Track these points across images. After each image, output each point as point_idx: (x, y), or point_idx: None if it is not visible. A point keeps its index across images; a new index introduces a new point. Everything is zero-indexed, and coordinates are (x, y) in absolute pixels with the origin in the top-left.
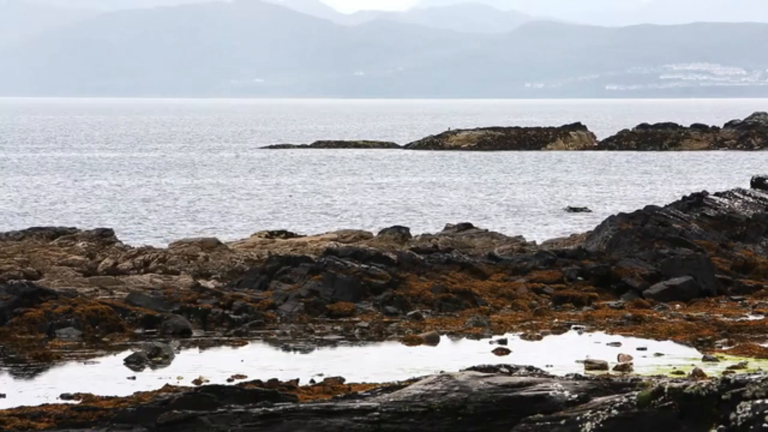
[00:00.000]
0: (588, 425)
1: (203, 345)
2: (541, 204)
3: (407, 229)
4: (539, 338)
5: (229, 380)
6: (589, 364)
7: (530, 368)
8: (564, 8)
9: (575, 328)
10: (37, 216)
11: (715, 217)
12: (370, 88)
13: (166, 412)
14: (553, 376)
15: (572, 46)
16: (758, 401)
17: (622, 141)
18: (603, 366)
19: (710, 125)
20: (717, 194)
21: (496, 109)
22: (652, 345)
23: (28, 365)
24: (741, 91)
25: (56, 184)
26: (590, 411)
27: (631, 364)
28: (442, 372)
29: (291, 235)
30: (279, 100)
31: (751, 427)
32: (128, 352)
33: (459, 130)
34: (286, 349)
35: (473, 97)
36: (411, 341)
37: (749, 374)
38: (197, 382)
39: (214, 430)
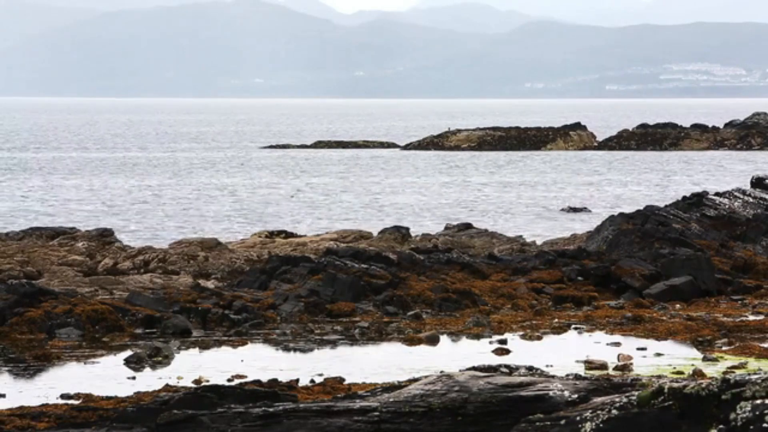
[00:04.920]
0: (588, 425)
1: (203, 345)
2: (542, 204)
3: (407, 229)
4: (539, 338)
5: (229, 380)
6: (589, 364)
7: (530, 368)
8: (564, 8)
9: (575, 328)
10: (53, 215)
11: (715, 217)
12: (370, 88)
13: (166, 412)
14: (553, 376)
15: (572, 46)
16: (758, 401)
17: (622, 141)
18: (603, 366)
19: (710, 125)
20: (717, 194)
21: (501, 109)
22: (652, 345)
23: (28, 365)
24: (741, 91)
25: (56, 184)
26: (590, 411)
27: (631, 364)
28: (442, 372)
29: (291, 235)
30: (279, 100)
31: (751, 427)
32: (128, 352)
33: (459, 130)
34: (286, 349)
35: (473, 97)
36: (411, 341)
37: (749, 374)
38: (197, 382)
39: (214, 430)
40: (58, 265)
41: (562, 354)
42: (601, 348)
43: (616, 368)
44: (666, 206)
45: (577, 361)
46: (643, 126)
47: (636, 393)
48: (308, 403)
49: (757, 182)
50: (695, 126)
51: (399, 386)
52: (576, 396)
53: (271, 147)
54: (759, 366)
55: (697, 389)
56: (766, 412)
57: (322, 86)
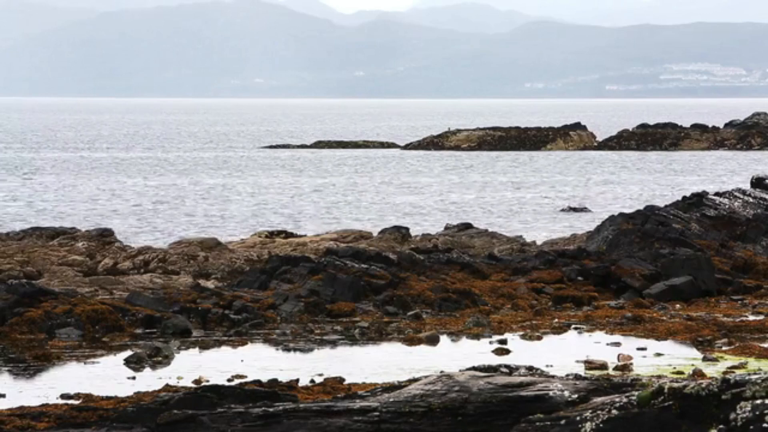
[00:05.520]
0: (588, 425)
1: (203, 345)
2: (541, 204)
3: (407, 229)
4: (539, 338)
5: (229, 380)
6: (589, 364)
7: (530, 368)
8: (564, 8)
9: (575, 328)
10: (59, 215)
11: (715, 217)
12: (370, 88)
13: (166, 412)
14: (553, 376)
15: (572, 46)
16: (758, 401)
17: (622, 141)
18: (603, 366)
19: (710, 125)
20: (717, 194)
21: (501, 109)
22: (652, 345)
23: (28, 365)
24: (741, 91)
25: (62, 184)
26: (590, 411)
27: (631, 364)
28: (442, 372)
29: (291, 235)
30: (279, 100)
31: (751, 427)
32: (128, 352)
33: (459, 130)
34: (286, 349)
35: (473, 97)
36: (411, 341)
37: (749, 374)
38: (197, 382)
39: (214, 430)
40: (58, 265)
41: (562, 354)
42: (601, 348)
43: (616, 368)
44: (666, 206)
45: (577, 361)
46: (643, 126)
47: (636, 393)
48: (308, 403)
49: (757, 182)
50: (695, 126)
51: (399, 386)
52: (576, 396)
53: (271, 147)
54: (759, 366)
55: (697, 389)
56: (766, 412)
57: (322, 86)
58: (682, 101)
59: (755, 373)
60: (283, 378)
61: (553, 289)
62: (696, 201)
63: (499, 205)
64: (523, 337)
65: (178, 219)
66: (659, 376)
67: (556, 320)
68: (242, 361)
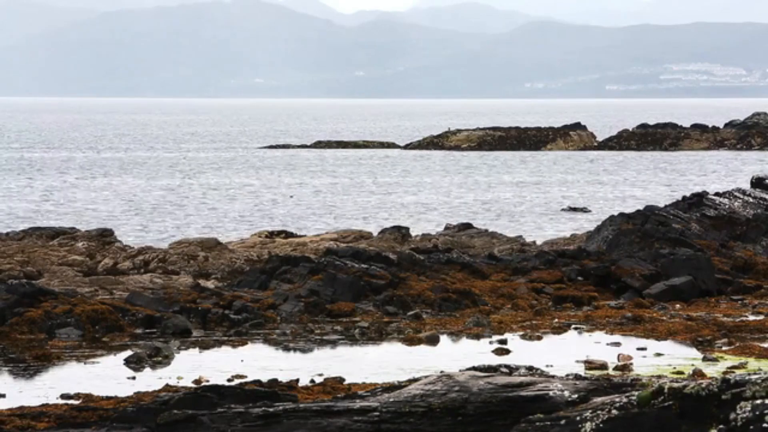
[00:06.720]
0: (588, 425)
1: (203, 345)
2: (541, 204)
3: (407, 229)
4: (539, 338)
5: (229, 380)
6: (589, 364)
7: (530, 368)
8: (564, 8)
9: (575, 328)
10: (62, 216)
11: (715, 217)
12: (370, 88)
13: (166, 412)
14: (553, 376)
15: (572, 46)
16: (758, 401)
17: (622, 141)
18: (603, 366)
19: (710, 125)
20: (717, 194)
21: (501, 109)
22: (652, 345)
23: (28, 365)
24: (741, 91)
25: (63, 183)
26: (590, 411)
27: (631, 364)
28: (442, 372)
29: (291, 235)
30: (279, 100)
31: (751, 427)
32: (128, 352)
33: (459, 130)
34: (286, 349)
35: (473, 97)
36: (411, 341)
37: (749, 374)
38: (197, 382)
39: (214, 430)
40: (58, 265)
41: (562, 354)
42: (601, 348)
43: (616, 368)
44: (666, 206)
45: (577, 361)
46: (643, 126)
47: (636, 393)
48: (308, 403)
49: (757, 182)
50: (695, 126)
51: (399, 386)
52: (576, 396)
53: (271, 147)
54: (759, 366)
55: (697, 389)
56: (766, 412)
57: (322, 86)
58: (682, 101)
59: (755, 373)
60: (283, 378)
61: (553, 289)
62: (696, 201)
63: (499, 205)
64: (523, 337)
65: (179, 219)
66: (659, 376)
67: (556, 320)
68: (242, 361)
